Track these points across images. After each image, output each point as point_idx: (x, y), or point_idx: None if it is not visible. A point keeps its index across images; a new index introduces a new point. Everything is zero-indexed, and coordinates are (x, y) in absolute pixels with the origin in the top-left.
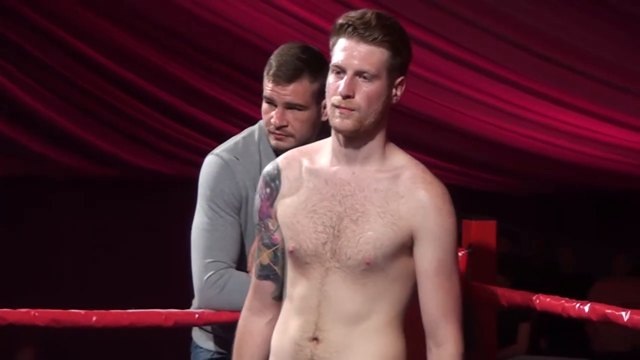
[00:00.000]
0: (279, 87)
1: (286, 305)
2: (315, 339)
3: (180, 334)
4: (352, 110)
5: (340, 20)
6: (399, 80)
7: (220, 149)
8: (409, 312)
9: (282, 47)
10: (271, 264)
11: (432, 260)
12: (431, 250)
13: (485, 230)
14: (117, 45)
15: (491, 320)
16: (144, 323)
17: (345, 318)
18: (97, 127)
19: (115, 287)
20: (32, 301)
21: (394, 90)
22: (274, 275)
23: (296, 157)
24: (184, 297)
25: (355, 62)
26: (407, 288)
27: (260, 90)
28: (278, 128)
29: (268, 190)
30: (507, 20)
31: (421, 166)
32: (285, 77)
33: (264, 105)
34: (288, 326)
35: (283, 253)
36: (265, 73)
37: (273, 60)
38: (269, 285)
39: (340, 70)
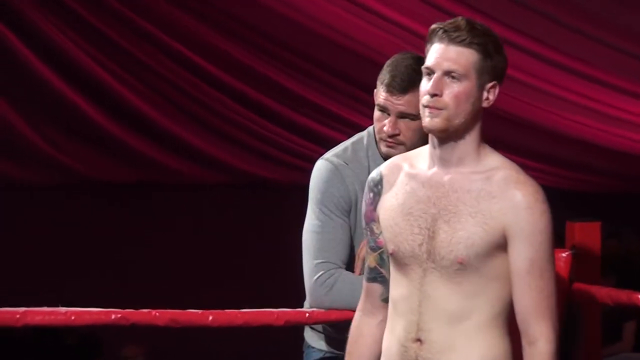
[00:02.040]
0: (393, 97)
1: (390, 306)
2: (419, 340)
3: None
4: (440, 109)
5: (432, 26)
6: (490, 84)
7: (330, 154)
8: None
9: (395, 57)
10: (377, 267)
11: (524, 260)
12: (523, 249)
13: (589, 232)
14: (226, 55)
15: (596, 319)
16: (256, 322)
17: (446, 317)
18: (207, 135)
19: (225, 289)
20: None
21: (485, 94)
22: (381, 277)
23: (398, 162)
24: (297, 298)
25: (444, 62)
26: (505, 287)
27: (365, 98)
28: (390, 136)
29: (371, 194)
30: (601, 22)
31: (515, 167)
32: (399, 87)
33: (377, 113)
34: (394, 327)
35: (388, 256)
36: (379, 82)
37: (387, 70)
38: (377, 287)
39: (431, 72)
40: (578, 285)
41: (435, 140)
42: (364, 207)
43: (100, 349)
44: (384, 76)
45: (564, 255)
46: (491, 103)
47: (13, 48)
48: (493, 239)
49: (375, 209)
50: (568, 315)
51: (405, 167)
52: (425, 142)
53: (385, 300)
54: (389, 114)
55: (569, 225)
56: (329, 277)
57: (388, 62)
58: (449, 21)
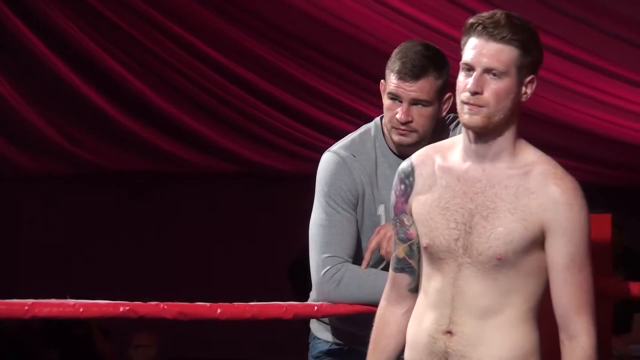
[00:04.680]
0: (406, 83)
1: (421, 298)
2: (449, 332)
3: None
4: (481, 106)
5: (470, 20)
6: (528, 78)
7: (337, 146)
8: (543, 306)
9: (403, 44)
10: (406, 258)
11: (563, 255)
12: (562, 245)
13: (600, 224)
14: (239, 47)
15: (607, 312)
16: (265, 315)
17: (478, 312)
18: (219, 125)
19: (238, 281)
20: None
21: (523, 89)
22: (409, 268)
23: (429, 154)
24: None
25: (484, 59)
26: (540, 283)
27: (373, 88)
28: (403, 124)
29: (402, 186)
30: (623, 20)
31: (552, 162)
32: (411, 74)
33: (387, 102)
34: (423, 319)
35: (418, 247)
36: (388, 70)
37: (397, 57)
38: (404, 278)
39: (470, 68)
40: None
41: (472, 135)
42: (393, 198)
43: (110, 339)
44: (393, 64)
45: None
46: (529, 97)
47: (28, 43)
48: (532, 235)
49: (406, 201)
50: None
51: (438, 160)
52: (435, 129)
53: (412, 291)
54: (400, 102)
55: None
56: (336, 272)
57: (396, 49)
58: (487, 15)
